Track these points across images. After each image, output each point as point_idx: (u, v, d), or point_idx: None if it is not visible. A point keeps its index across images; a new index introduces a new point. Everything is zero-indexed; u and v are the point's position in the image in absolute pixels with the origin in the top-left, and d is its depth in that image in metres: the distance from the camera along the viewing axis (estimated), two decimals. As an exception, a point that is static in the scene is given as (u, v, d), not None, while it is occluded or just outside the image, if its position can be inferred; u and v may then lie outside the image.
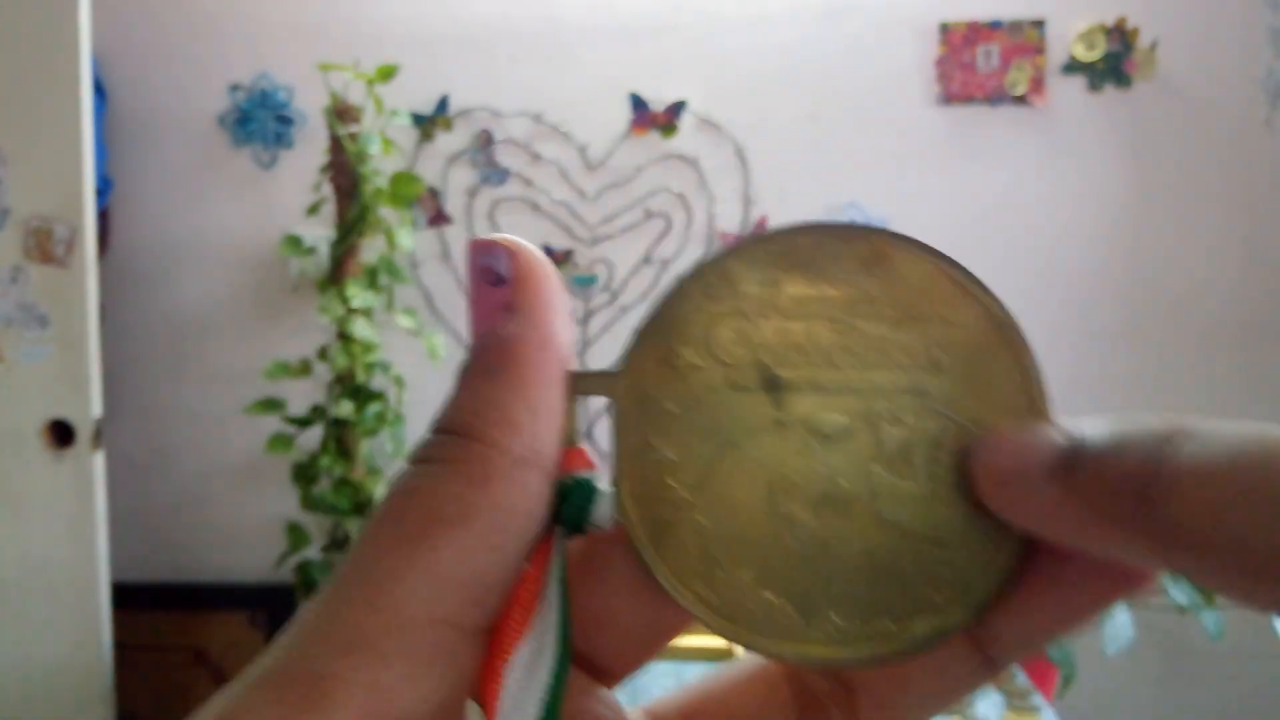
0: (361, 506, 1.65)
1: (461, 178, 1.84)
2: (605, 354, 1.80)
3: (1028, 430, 0.18)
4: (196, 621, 1.85)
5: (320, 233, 1.73)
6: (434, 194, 1.83)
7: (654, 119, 1.81)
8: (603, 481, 0.20)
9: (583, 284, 1.84)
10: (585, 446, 0.20)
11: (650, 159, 1.81)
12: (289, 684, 0.16)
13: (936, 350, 0.19)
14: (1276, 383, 1.75)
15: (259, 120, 1.85)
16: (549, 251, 1.84)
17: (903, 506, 0.19)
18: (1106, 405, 1.75)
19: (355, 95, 1.63)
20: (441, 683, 0.17)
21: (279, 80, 1.85)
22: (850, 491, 0.19)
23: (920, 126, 1.79)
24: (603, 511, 0.19)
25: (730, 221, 1.82)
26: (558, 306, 0.19)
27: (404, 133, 1.80)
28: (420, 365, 1.73)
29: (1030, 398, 0.19)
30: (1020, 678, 1.21)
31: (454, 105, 1.83)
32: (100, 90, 1.73)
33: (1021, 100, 1.76)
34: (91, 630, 1.51)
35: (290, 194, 1.81)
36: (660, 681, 1.11)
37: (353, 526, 1.65)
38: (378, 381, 1.68)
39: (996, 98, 1.77)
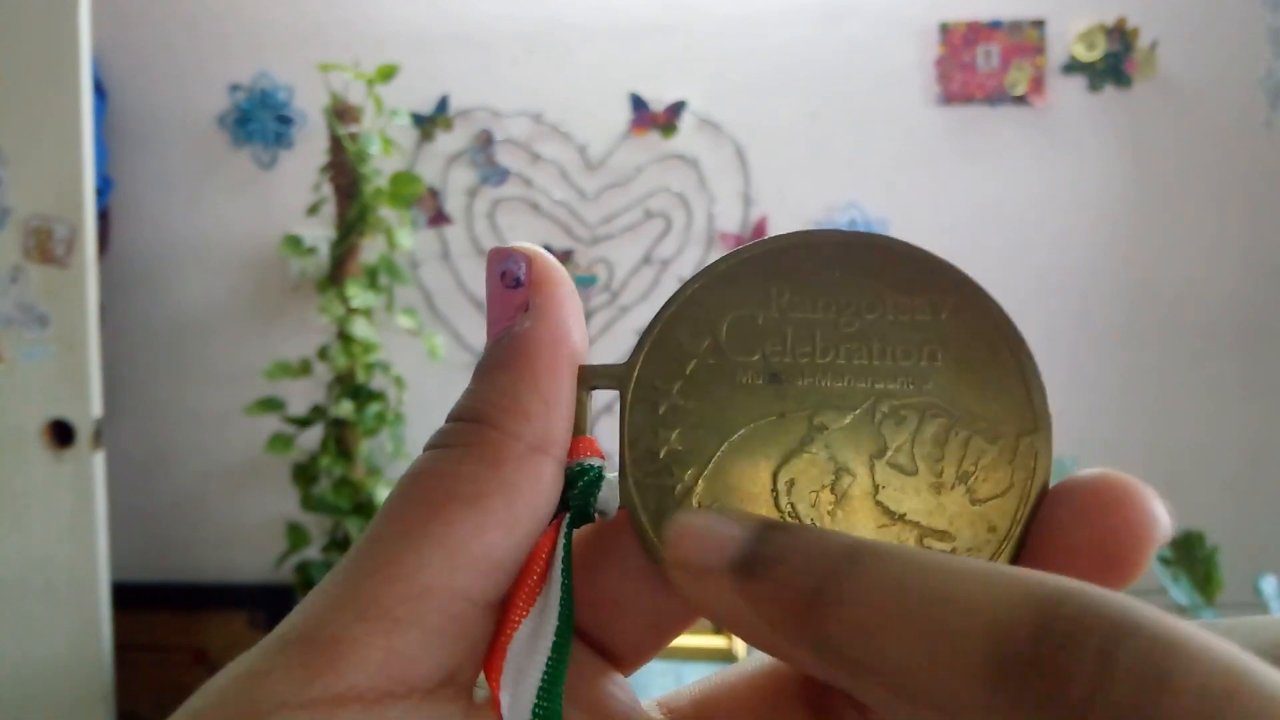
0: (361, 506, 1.65)
1: (461, 178, 1.84)
2: (605, 353, 1.80)
3: (715, 518, 0.18)
4: (196, 621, 1.85)
5: (320, 233, 1.73)
6: (434, 194, 1.84)
7: (654, 119, 1.81)
8: (610, 470, 0.20)
9: (582, 284, 1.84)
10: (594, 437, 0.21)
11: (650, 159, 1.81)
12: (308, 646, 0.17)
13: (936, 345, 0.19)
14: (1274, 383, 1.75)
15: (259, 120, 1.85)
16: (549, 251, 1.83)
17: (905, 498, 0.19)
18: (1105, 405, 1.75)
19: (355, 95, 1.63)
20: (454, 652, 0.18)
21: (279, 80, 1.85)
22: (853, 484, 0.19)
23: (920, 126, 1.79)
24: (610, 499, 0.20)
25: (730, 222, 1.82)
26: (571, 306, 0.20)
27: (404, 133, 1.80)
28: (420, 365, 1.73)
29: (1028, 391, 0.19)
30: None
31: (454, 105, 1.83)
32: (100, 90, 1.73)
33: (1021, 100, 1.76)
34: (91, 630, 1.51)
35: (290, 194, 1.81)
36: (659, 681, 1.11)
37: (353, 526, 1.65)
38: (378, 381, 1.68)
39: (996, 98, 1.77)
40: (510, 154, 1.84)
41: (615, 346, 1.80)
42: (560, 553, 0.19)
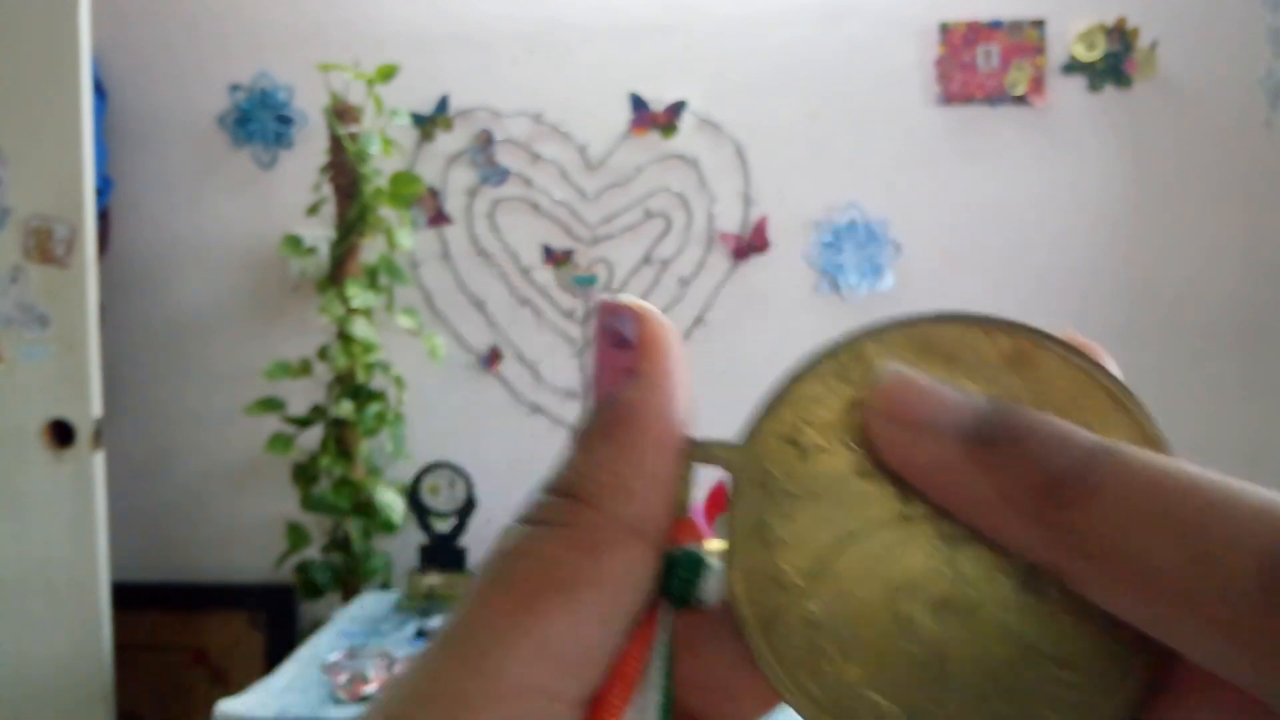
0: (361, 506, 1.65)
1: (461, 178, 1.84)
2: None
3: (936, 380, 0.17)
4: (196, 621, 1.84)
5: (320, 233, 1.73)
6: (434, 194, 1.83)
7: (654, 119, 1.81)
8: (712, 556, 0.19)
9: (583, 284, 1.84)
10: (694, 519, 0.20)
11: (650, 159, 1.81)
12: None
13: None
14: (1274, 383, 1.75)
15: (259, 120, 1.85)
16: (549, 251, 1.84)
17: (1028, 620, 0.17)
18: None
19: (355, 95, 1.63)
20: None
21: (279, 80, 1.85)
22: (975, 599, 0.18)
23: (920, 127, 1.79)
24: (710, 587, 0.19)
25: (730, 221, 1.82)
26: (680, 374, 0.19)
27: (404, 133, 1.80)
28: (420, 365, 1.73)
29: None
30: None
31: (454, 105, 1.83)
32: (100, 90, 1.73)
33: (1021, 100, 1.76)
34: (91, 630, 1.51)
35: (290, 194, 1.81)
36: None
37: (353, 526, 1.66)
38: (378, 381, 1.68)
39: (996, 98, 1.77)
40: (510, 154, 1.83)
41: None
42: (659, 649, 0.18)
